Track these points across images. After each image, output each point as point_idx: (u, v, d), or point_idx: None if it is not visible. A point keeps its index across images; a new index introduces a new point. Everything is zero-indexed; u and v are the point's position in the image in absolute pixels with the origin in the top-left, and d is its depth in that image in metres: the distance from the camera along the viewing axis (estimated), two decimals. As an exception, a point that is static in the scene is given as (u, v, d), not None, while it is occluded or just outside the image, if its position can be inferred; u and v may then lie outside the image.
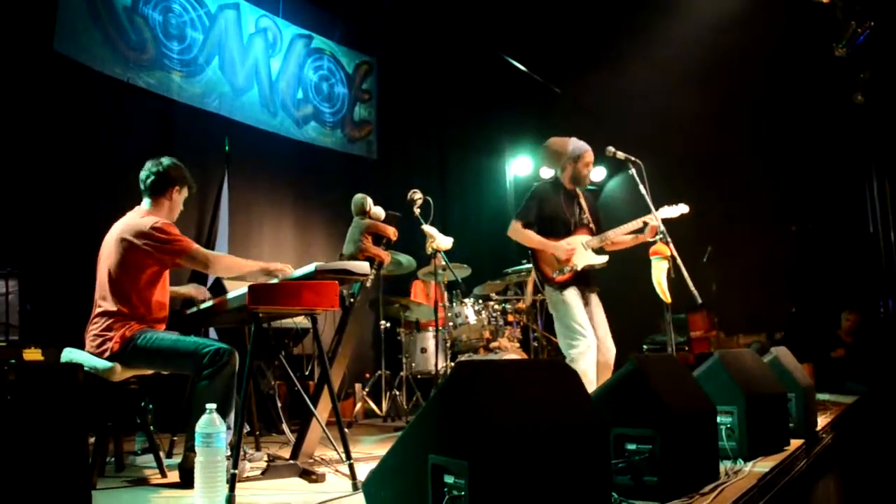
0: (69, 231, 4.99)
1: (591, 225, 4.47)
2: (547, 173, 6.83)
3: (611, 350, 4.28)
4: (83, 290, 3.53)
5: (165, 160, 3.47)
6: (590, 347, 4.06)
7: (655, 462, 2.35)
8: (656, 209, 4.26)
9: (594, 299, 4.38)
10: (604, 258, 4.35)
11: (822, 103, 7.44)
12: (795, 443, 3.50)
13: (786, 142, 7.74)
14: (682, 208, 4.40)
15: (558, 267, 4.30)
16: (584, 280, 4.33)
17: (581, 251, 4.32)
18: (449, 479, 1.79)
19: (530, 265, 6.01)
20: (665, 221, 4.22)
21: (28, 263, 4.48)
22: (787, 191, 7.82)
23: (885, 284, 7.44)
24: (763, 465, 2.93)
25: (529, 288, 6.66)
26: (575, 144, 4.44)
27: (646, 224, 4.28)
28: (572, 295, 4.23)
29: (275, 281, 3.06)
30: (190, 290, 3.72)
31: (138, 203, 3.46)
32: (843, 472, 3.92)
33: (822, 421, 4.34)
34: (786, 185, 7.81)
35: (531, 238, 4.36)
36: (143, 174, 3.44)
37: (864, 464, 4.08)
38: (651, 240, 4.20)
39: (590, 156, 4.44)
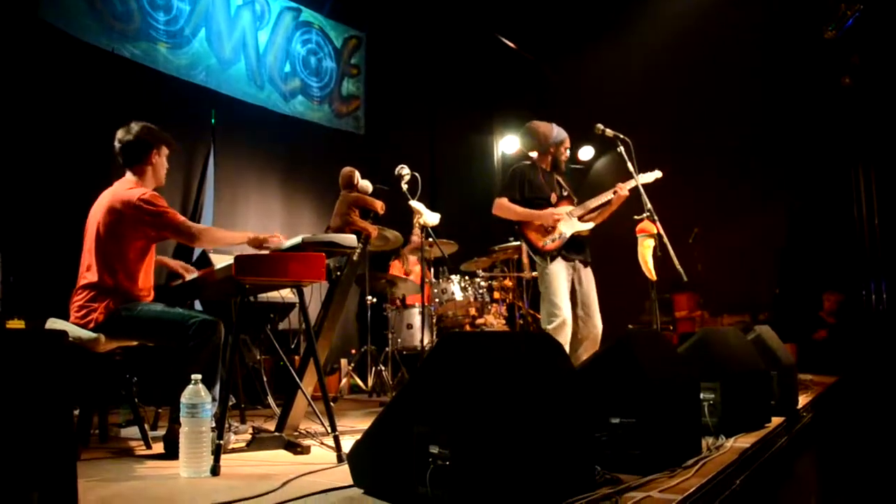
0: (52, 203, 4.92)
1: (573, 197, 4.56)
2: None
3: (598, 326, 4.33)
4: (67, 262, 3.49)
5: (134, 126, 3.34)
6: (564, 324, 4.14)
7: (639, 435, 2.37)
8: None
9: (587, 274, 4.41)
10: (589, 224, 4.41)
11: (811, 85, 7.46)
12: (777, 420, 3.54)
13: (773, 123, 7.76)
14: (656, 173, 4.46)
15: (546, 236, 4.37)
16: (576, 249, 4.37)
17: (566, 219, 4.38)
18: (433, 449, 1.80)
19: (517, 242, 6.06)
20: (651, 200, 4.22)
21: (11, 236, 4.44)
22: (774, 173, 7.86)
23: (868, 267, 7.51)
24: (744, 441, 2.96)
25: (525, 260, 6.66)
26: (557, 130, 4.58)
27: (617, 191, 4.39)
28: (559, 268, 4.29)
29: (263, 252, 3.04)
30: (178, 265, 3.69)
31: (122, 174, 3.39)
32: (823, 449, 3.98)
33: (803, 399, 4.39)
34: (773, 166, 7.84)
35: (517, 211, 4.41)
36: (116, 145, 3.32)
37: (843, 442, 4.14)
38: (638, 217, 4.22)
39: (568, 141, 4.61)
